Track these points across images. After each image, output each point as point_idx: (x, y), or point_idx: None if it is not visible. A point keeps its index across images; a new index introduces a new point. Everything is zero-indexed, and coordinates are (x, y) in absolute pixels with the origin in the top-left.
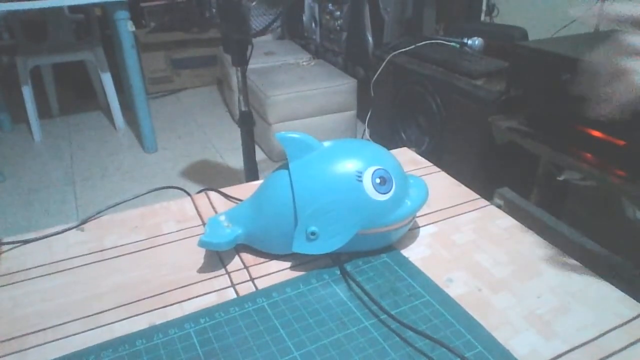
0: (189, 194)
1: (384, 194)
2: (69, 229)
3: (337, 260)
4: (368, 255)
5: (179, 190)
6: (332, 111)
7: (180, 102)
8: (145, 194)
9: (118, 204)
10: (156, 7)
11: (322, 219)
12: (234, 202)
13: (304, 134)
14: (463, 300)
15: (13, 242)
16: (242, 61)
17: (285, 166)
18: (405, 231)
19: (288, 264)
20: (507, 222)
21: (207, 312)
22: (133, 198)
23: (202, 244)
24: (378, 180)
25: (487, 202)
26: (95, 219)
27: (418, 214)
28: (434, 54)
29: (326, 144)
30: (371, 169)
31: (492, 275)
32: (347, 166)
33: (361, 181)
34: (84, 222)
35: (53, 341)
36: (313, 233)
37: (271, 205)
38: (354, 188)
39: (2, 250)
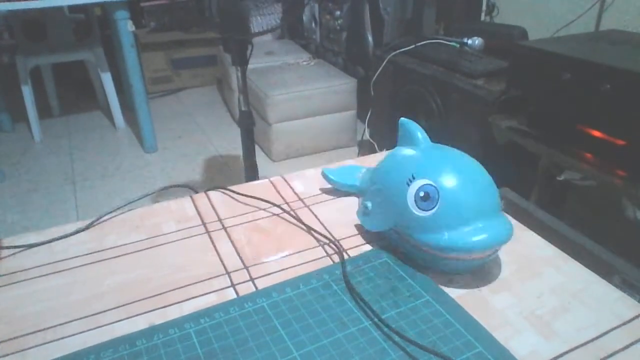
0: (195, 191)
1: (422, 210)
2: (73, 233)
3: (339, 262)
4: (368, 255)
5: (180, 190)
6: (332, 111)
7: (180, 102)
8: (152, 193)
9: (131, 202)
10: (156, 7)
11: (375, 199)
12: (241, 202)
13: (420, 130)
14: (463, 301)
15: (15, 247)
16: (242, 61)
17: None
18: (464, 266)
19: (288, 264)
20: None
21: (207, 312)
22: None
23: (327, 171)
24: (422, 194)
25: None
26: (95, 219)
27: None
28: (434, 54)
29: (431, 144)
30: (423, 181)
31: (492, 275)
32: (410, 167)
33: (409, 186)
34: (90, 225)
35: (53, 341)
36: (366, 207)
37: (370, 174)
38: (400, 188)
39: (2, 255)
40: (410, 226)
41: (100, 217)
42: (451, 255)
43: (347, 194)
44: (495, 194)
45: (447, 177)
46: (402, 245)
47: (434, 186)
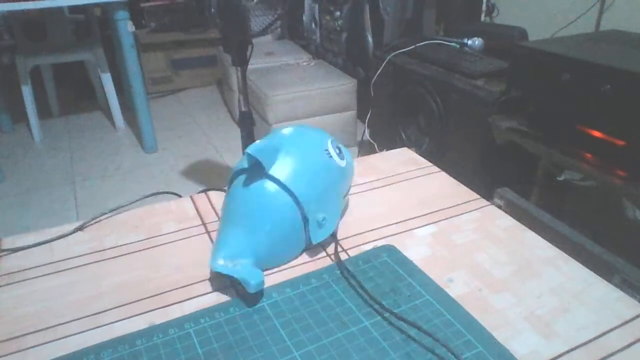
0: (179, 196)
1: (343, 160)
2: (71, 232)
3: (339, 262)
4: (368, 255)
5: (179, 190)
6: (332, 111)
7: (180, 102)
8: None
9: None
10: (156, 8)
11: (324, 202)
12: None
13: (265, 139)
14: (463, 300)
15: (15, 247)
16: (242, 61)
17: (253, 178)
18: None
19: (288, 265)
20: (507, 222)
21: (207, 312)
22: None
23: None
24: (337, 150)
25: (487, 202)
26: (96, 220)
27: (418, 213)
28: (434, 54)
29: (274, 136)
30: (328, 143)
31: (492, 275)
32: (316, 149)
33: (331, 156)
34: (85, 225)
35: (53, 341)
36: (324, 218)
37: (271, 218)
38: (329, 164)
39: (3, 255)
40: (347, 180)
41: (96, 218)
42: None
43: (349, 193)
44: None
45: (320, 132)
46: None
47: (333, 139)
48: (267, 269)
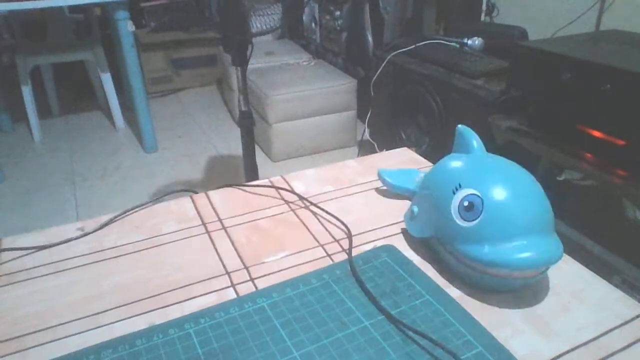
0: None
1: (465, 220)
2: (75, 238)
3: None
4: (368, 255)
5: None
6: (332, 111)
7: (180, 102)
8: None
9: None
10: (156, 7)
11: (422, 205)
12: (240, 202)
13: (476, 138)
14: (463, 300)
15: (15, 247)
16: (242, 61)
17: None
18: (503, 285)
19: (288, 264)
20: None
21: (207, 312)
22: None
23: (383, 172)
24: (466, 204)
25: None
26: (95, 219)
27: None
28: (434, 54)
29: (484, 153)
30: (468, 190)
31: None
32: (458, 175)
33: (454, 194)
34: (86, 233)
35: (53, 341)
36: (412, 212)
37: (425, 179)
38: (447, 195)
39: (3, 255)
40: (452, 235)
41: (106, 224)
42: (492, 271)
43: (348, 194)
44: (547, 212)
45: (494, 187)
46: (445, 257)
47: (479, 196)
48: (259, 257)
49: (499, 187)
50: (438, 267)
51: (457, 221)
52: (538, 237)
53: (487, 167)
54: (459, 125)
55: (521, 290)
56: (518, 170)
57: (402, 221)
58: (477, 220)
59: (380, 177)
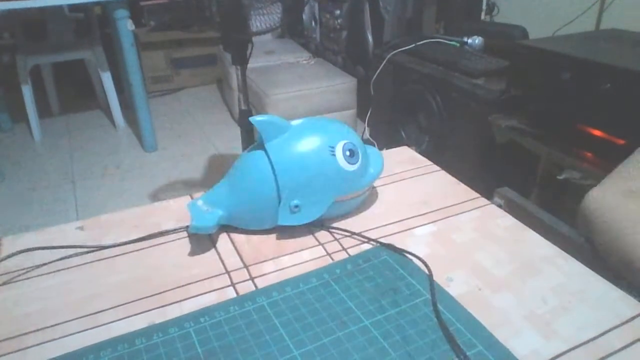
0: (191, 197)
1: (353, 164)
2: (80, 247)
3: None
4: (368, 254)
5: (179, 190)
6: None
7: (180, 102)
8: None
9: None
10: (156, 6)
11: (303, 192)
12: None
13: (274, 116)
14: (463, 299)
15: (15, 246)
16: (242, 60)
17: (258, 147)
18: (367, 196)
19: (288, 263)
20: (507, 221)
21: (207, 311)
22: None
23: (194, 229)
24: (348, 153)
25: (487, 201)
26: (95, 218)
27: (418, 212)
28: (434, 53)
29: (294, 123)
30: (341, 143)
31: (492, 275)
32: (320, 142)
33: (334, 155)
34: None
35: (53, 340)
36: (296, 206)
37: (250, 185)
38: (328, 161)
39: (2, 255)
40: (347, 185)
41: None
42: (370, 187)
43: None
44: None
45: (346, 133)
46: (337, 210)
47: (351, 142)
48: (259, 256)
49: (343, 132)
50: (439, 266)
51: (349, 169)
52: (373, 153)
53: (320, 128)
54: (251, 118)
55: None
56: (322, 119)
57: (403, 220)
58: (360, 160)
59: (194, 230)
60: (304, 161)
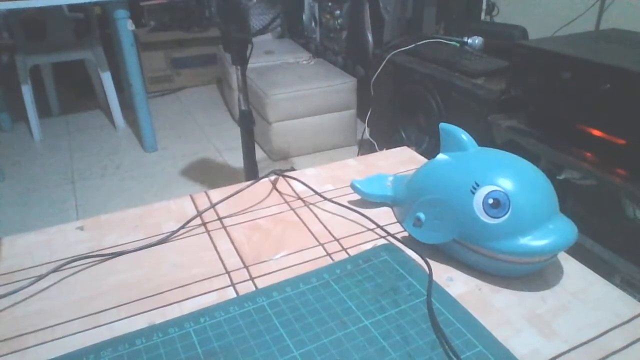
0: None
1: (494, 217)
2: (80, 258)
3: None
4: (368, 254)
5: (179, 190)
6: (332, 110)
7: (180, 102)
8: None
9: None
10: (156, 6)
11: (430, 210)
12: (240, 201)
13: (464, 133)
14: (463, 299)
15: (15, 247)
16: (242, 60)
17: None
18: (532, 270)
19: (288, 263)
20: None
21: (207, 312)
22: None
23: (356, 183)
24: (491, 201)
25: None
26: (95, 218)
27: None
28: (434, 53)
29: (479, 148)
30: (490, 188)
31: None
32: (470, 173)
33: (474, 194)
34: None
35: (53, 340)
36: (419, 219)
37: (412, 183)
38: (464, 197)
39: (2, 255)
40: (477, 234)
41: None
42: (524, 260)
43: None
44: (554, 194)
45: (513, 181)
46: (465, 255)
47: (503, 192)
48: (259, 257)
49: (517, 180)
50: (439, 266)
51: (484, 219)
52: (556, 220)
53: (493, 162)
54: (442, 124)
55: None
56: (519, 159)
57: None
58: (506, 216)
59: (353, 188)
60: (444, 181)
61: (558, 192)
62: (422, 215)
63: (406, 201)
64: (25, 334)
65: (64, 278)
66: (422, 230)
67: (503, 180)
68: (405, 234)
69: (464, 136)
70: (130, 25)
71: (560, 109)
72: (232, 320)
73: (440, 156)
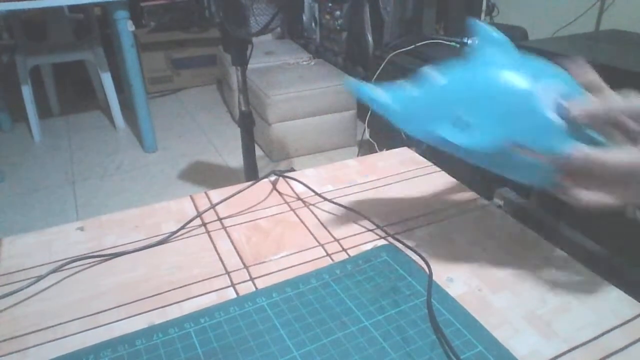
0: (193, 200)
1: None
2: (81, 258)
3: (339, 262)
4: (368, 254)
5: (179, 190)
6: (332, 111)
7: (180, 102)
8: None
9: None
10: (156, 7)
11: (481, 111)
12: (240, 202)
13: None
14: (463, 300)
15: (15, 247)
16: (242, 61)
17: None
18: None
19: (288, 264)
20: (507, 221)
21: (207, 312)
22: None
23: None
24: (558, 101)
25: (487, 202)
26: (95, 218)
27: (418, 213)
28: (434, 54)
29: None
30: (557, 85)
31: (492, 275)
32: (527, 70)
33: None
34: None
35: (53, 340)
36: (465, 123)
37: (451, 83)
38: (525, 95)
39: (2, 255)
40: (539, 132)
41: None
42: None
43: (348, 193)
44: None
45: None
46: (511, 162)
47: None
48: (259, 257)
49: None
50: (439, 266)
51: (548, 114)
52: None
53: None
54: (471, 22)
55: None
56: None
57: (403, 220)
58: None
59: (350, 88)
60: (482, 78)
61: None
62: (470, 119)
63: (435, 103)
64: (25, 334)
65: (64, 278)
66: (470, 133)
67: (564, 77)
68: (405, 234)
69: (495, 33)
70: (130, 26)
71: None
72: (232, 320)
73: (480, 54)
